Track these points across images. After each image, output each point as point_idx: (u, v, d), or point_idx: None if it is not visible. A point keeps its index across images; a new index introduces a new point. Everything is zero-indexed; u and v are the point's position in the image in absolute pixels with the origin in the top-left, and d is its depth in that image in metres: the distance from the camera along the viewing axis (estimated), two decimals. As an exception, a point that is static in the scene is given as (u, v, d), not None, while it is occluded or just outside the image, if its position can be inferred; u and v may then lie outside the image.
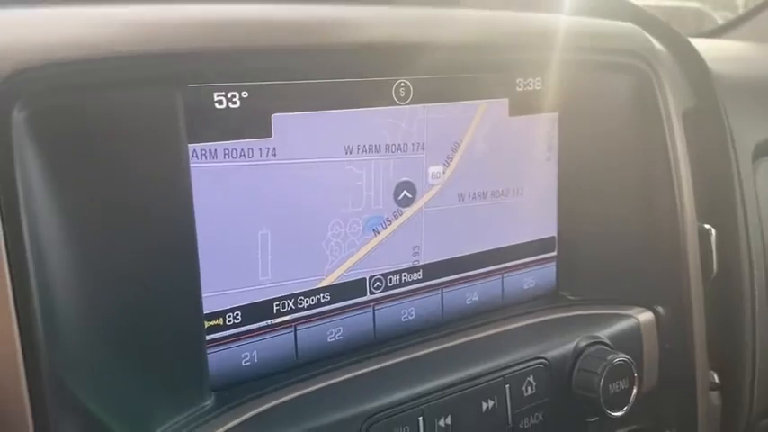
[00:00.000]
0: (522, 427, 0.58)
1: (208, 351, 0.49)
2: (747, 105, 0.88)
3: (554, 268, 0.69)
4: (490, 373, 0.56)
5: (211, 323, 0.49)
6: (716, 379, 0.79)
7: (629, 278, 0.69)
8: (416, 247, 0.59)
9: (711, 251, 0.75)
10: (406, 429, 0.51)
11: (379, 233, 0.56)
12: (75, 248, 0.41)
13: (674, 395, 0.71)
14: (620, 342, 0.64)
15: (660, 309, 0.69)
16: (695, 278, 0.70)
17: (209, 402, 0.48)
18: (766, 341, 0.82)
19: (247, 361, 0.51)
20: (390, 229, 0.57)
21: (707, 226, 0.75)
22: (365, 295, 0.57)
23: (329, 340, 0.55)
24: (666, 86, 0.69)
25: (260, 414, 0.48)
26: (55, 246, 0.40)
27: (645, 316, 0.68)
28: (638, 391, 0.63)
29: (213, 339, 0.50)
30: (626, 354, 0.62)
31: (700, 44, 0.86)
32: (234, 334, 0.50)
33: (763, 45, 1.24)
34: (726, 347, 0.82)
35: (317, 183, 0.52)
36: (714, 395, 0.81)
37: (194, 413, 0.47)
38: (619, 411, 0.61)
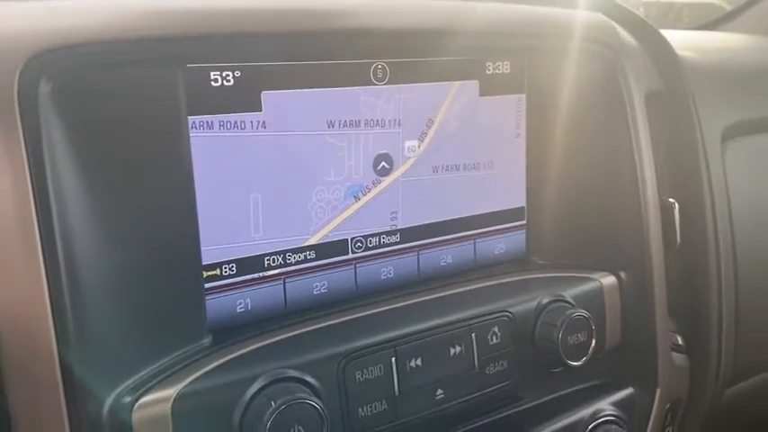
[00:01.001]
0: (487, 372, 0.65)
1: (206, 298, 0.57)
2: (717, 90, 0.94)
3: (524, 235, 0.76)
4: (458, 322, 0.63)
5: (209, 273, 0.57)
6: (679, 341, 0.85)
7: (594, 246, 0.76)
8: (394, 212, 0.66)
9: (674, 223, 0.82)
10: (380, 368, 0.58)
11: (359, 199, 0.63)
12: (93, 203, 0.49)
13: (636, 355, 0.77)
14: (583, 301, 0.71)
15: (623, 274, 0.75)
16: (656, 247, 0.76)
17: (207, 341, 0.55)
18: (731, 310, 0.88)
19: (242, 308, 0.59)
20: (370, 195, 0.64)
21: (671, 200, 0.82)
22: (347, 254, 0.64)
23: (315, 293, 0.62)
24: (629, 71, 0.75)
25: (252, 351, 0.55)
26: (75, 200, 0.48)
27: (608, 280, 0.74)
28: (597, 345, 0.69)
29: (211, 288, 0.57)
30: (588, 312, 0.69)
31: (688, 35, 0.92)
32: (229, 284, 0.58)
33: (751, 36, 1.30)
34: (692, 314, 0.88)
35: (302, 153, 0.59)
36: (681, 358, 0.86)
37: (194, 349, 0.54)
38: (577, 361, 0.67)
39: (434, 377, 0.61)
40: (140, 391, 0.49)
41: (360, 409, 0.57)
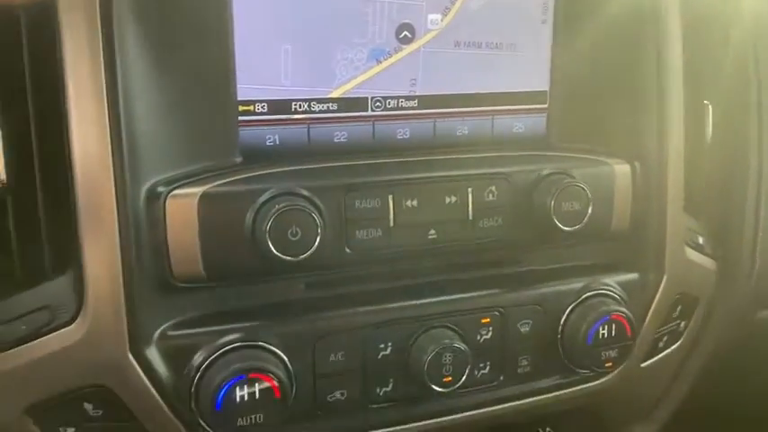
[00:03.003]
0: (481, 225, 0.72)
1: (240, 129, 0.68)
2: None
3: (544, 118, 0.81)
4: (457, 176, 0.71)
5: (244, 108, 0.68)
6: (699, 241, 0.87)
7: (614, 135, 0.80)
8: (414, 79, 0.74)
9: (707, 124, 0.84)
10: (378, 201, 0.68)
11: (380, 62, 0.72)
12: (148, 45, 0.61)
13: (645, 242, 0.81)
14: (589, 180, 0.74)
15: (638, 164, 0.79)
16: (675, 141, 0.79)
17: (239, 159, 0.68)
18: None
19: (270, 142, 0.70)
20: (391, 60, 0.73)
21: (706, 102, 0.84)
22: (366, 111, 0.73)
23: (335, 141, 0.73)
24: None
25: (271, 172, 0.66)
26: (133, 39, 0.61)
27: (621, 167, 0.78)
28: (599, 222, 0.74)
29: (245, 121, 0.69)
30: (590, 187, 0.74)
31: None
32: (261, 120, 0.69)
33: None
34: (724, 220, 0.89)
35: (330, 13, 0.69)
36: (704, 259, 0.88)
37: (226, 164, 0.66)
38: (569, 227, 0.73)
39: (428, 219, 0.70)
40: (174, 185, 0.62)
41: (357, 231, 0.67)
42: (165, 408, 0.63)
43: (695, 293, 0.88)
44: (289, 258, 0.63)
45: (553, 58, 0.80)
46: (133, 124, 0.60)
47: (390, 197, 0.68)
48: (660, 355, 0.87)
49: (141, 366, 0.61)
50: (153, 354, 0.62)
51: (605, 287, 0.78)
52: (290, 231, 0.62)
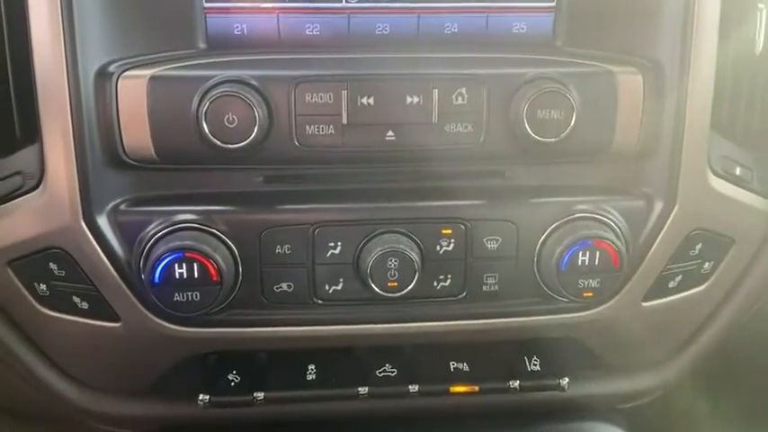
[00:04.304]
0: (447, 130, 0.67)
1: (207, 16, 0.68)
2: None
3: (551, 18, 0.72)
4: (421, 75, 0.66)
5: (210, -5, 0.68)
6: (737, 172, 0.74)
7: (629, 38, 0.69)
8: (394, -30, 0.69)
9: (759, 28, 0.70)
10: (330, 96, 0.65)
11: (356, -51, 0.68)
12: None
13: (656, 165, 0.71)
14: (580, 89, 0.67)
15: (653, 73, 0.68)
16: (706, 46, 0.68)
17: (202, 45, 0.68)
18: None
19: (238, 31, 0.70)
20: (367, -53, 0.68)
21: (761, 5, 0.70)
22: (340, 2, 0.70)
23: (307, 33, 0.70)
24: None
25: (227, 62, 0.66)
26: None
27: (630, 76, 0.68)
28: (581, 127, 0.66)
29: (211, 8, 0.68)
30: (587, 101, 0.66)
31: None
32: (228, 7, 0.69)
33: None
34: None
35: None
36: (754, 201, 0.76)
37: (189, 51, 0.67)
38: (546, 138, 0.66)
39: (386, 119, 0.67)
40: (127, 67, 0.65)
41: (308, 127, 0.66)
42: (116, 275, 0.68)
43: (727, 232, 0.76)
44: (227, 146, 0.63)
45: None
46: (85, 8, 0.63)
47: (344, 93, 0.66)
48: (672, 297, 0.78)
49: (93, 234, 0.67)
50: (104, 224, 0.67)
51: (597, 211, 0.71)
52: (226, 118, 0.63)
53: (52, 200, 0.66)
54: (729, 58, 0.71)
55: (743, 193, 0.76)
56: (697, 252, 0.76)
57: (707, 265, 0.78)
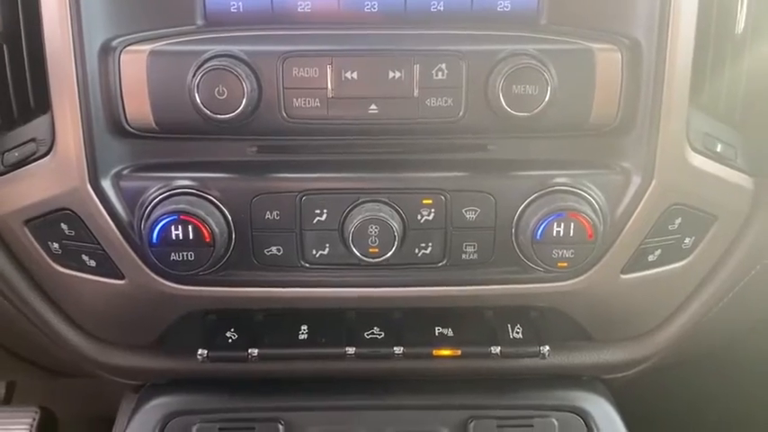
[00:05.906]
0: (428, 104, 0.71)
1: (206, -7, 0.73)
2: None
3: (536, -5, 0.74)
4: (403, 50, 0.70)
5: (207, -27, 0.73)
6: (718, 148, 0.75)
7: (611, 16, 0.71)
8: (380, -53, 0.72)
9: (740, 7, 0.71)
10: (316, 70, 0.69)
11: None
12: None
13: (634, 140, 0.73)
14: (556, 64, 0.69)
15: (631, 50, 0.70)
16: (683, 25, 0.69)
17: (200, 22, 0.72)
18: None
19: (235, 8, 0.74)
20: None
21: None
22: (330, -16, 0.73)
23: (299, 10, 0.74)
24: None
25: (221, 37, 0.71)
26: None
27: (607, 53, 0.70)
28: (557, 101, 0.68)
29: (210, -14, 0.73)
30: (564, 77, 0.68)
31: None
32: (226, -15, 0.73)
33: None
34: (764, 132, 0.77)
35: None
36: (738, 178, 0.77)
37: (190, 25, 0.71)
38: (521, 112, 0.68)
39: (369, 92, 0.70)
40: (130, 42, 0.70)
41: (295, 99, 0.70)
42: (119, 235, 0.74)
43: (708, 209, 0.78)
44: (218, 116, 0.68)
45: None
46: None
47: (329, 67, 0.70)
48: (651, 271, 0.80)
49: (98, 196, 0.72)
50: (108, 188, 0.73)
51: (574, 185, 0.73)
52: (216, 90, 0.67)
53: (61, 165, 0.72)
54: (710, 38, 0.72)
55: (725, 170, 0.77)
56: (677, 227, 0.77)
57: (687, 240, 0.79)
